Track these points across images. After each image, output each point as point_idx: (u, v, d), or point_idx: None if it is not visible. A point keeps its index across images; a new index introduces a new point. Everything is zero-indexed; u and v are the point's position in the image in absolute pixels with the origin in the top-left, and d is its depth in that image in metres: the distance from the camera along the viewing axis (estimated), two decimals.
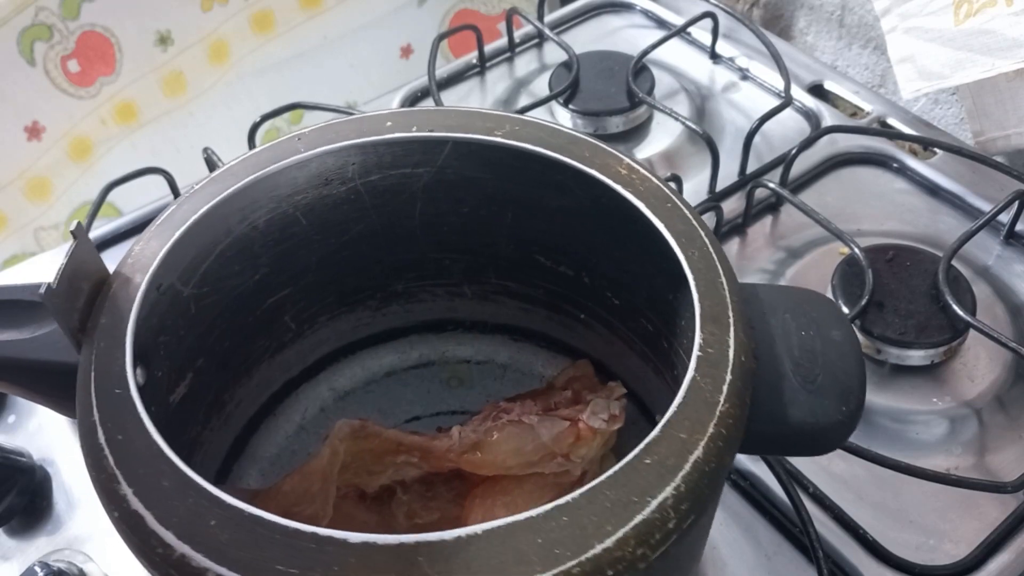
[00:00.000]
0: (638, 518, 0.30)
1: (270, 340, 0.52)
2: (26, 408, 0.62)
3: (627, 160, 0.42)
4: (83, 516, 0.56)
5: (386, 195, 0.48)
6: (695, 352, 0.34)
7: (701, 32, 0.87)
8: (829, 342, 0.37)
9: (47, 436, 0.60)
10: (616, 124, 0.78)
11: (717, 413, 0.33)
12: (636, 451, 0.31)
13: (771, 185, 0.69)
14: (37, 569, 0.51)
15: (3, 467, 0.56)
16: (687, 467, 0.31)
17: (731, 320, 0.35)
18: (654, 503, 0.30)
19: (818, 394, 0.36)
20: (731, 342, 0.35)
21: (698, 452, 0.31)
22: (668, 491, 0.30)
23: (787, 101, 0.75)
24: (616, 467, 0.31)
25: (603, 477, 0.31)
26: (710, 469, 0.31)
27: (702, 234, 0.39)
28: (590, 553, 0.29)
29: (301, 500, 0.46)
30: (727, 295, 0.36)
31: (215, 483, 0.32)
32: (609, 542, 0.29)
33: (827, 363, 0.36)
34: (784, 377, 0.36)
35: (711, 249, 0.38)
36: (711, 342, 0.35)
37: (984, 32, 0.65)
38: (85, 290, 0.38)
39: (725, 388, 0.33)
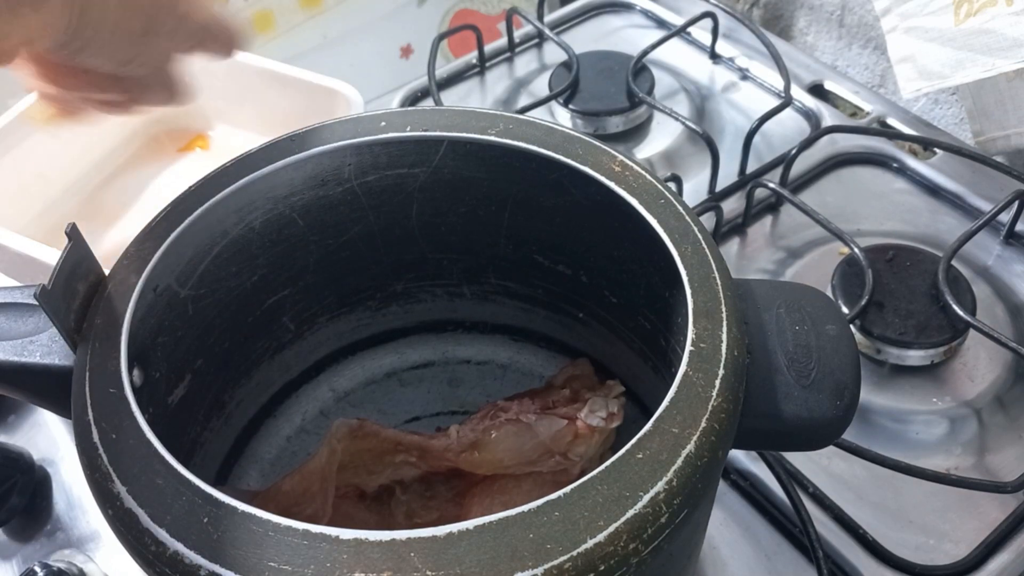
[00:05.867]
0: (630, 513, 0.30)
1: (269, 341, 0.52)
2: (26, 408, 0.62)
3: (620, 157, 0.42)
4: (83, 516, 0.56)
5: (383, 195, 0.48)
6: (688, 347, 0.34)
7: (701, 32, 0.87)
8: (824, 336, 0.37)
9: (47, 436, 0.60)
10: (616, 124, 0.78)
11: (709, 408, 0.33)
12: (628, 446, 0.31)
13: (771, 185, 0.69)
14: (37, 569, 0.52)
15: (3, 467, 0.56)
16: (679, 462, 0.31)
17: (724, 315, 0.35)
18: (646, 498, 0.30)
19: (812, 389, 0.36)
20: (724, 337, 0.35)
21: (690, 447, 0.31)
22: (660, 486, 0.30)
23: (787, 101, 0.75)
24: (608, 462, 0.31)
25: (595, 472, 0.31)
26: (703, 464, 0.31)
27: (695, 230, 0.39)
28: (582, 548, 0.29)
29: (300, 500, 0.46)
30: (720, 290, 0.36)
31: (215, 484, 0.32)
32: (601, 537, 0.29)
33: (821, 358, 0.36)
34: (778, 372, 0.36)
35: (704, 245, 0.38)
36: (704, 337, 0.35)
37: (984, 32, 0.65)
38: (80, 291, 0.38)
39: (718, 383, 0.33)
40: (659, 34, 0.83)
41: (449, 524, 0.29)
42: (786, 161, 0.71)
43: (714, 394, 0.33)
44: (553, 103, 0.79)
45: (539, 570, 0.28)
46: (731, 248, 0.71)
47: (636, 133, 0.79)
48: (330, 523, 0.38)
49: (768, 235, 0.71)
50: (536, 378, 0.57)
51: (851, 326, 0.47)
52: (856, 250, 0.63)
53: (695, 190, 0.74)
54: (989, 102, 0.73)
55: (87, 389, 0.35)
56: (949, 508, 0.55)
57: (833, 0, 0.90)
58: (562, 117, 0.79)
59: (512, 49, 0.88)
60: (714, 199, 0.72)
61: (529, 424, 0.47)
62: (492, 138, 0.44)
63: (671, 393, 0.33)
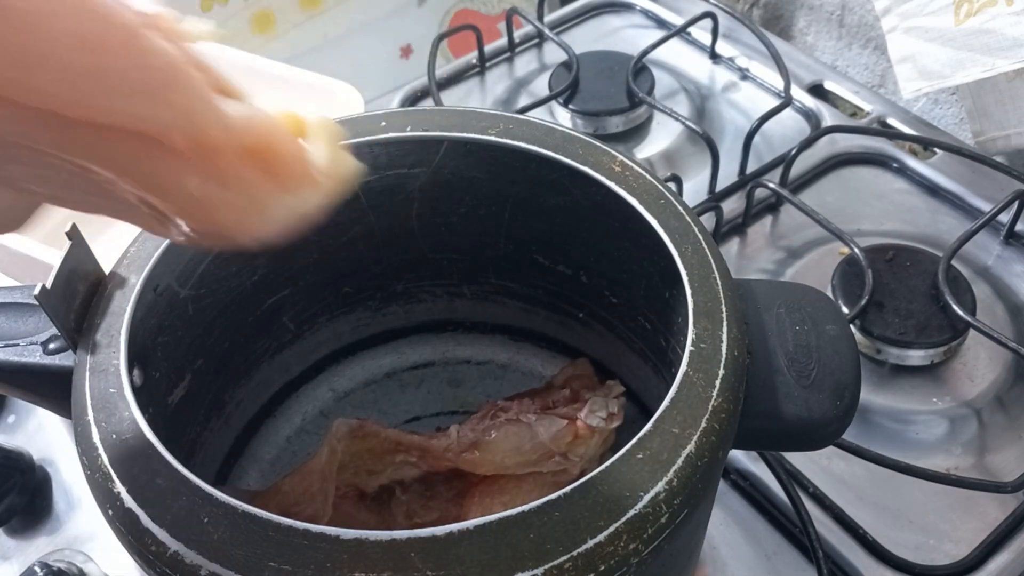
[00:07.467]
0: (630, 513, 0.30)
1: (269, 341, 0.52)
2: (26, 408, 0.62)
3: (620, 157, 0.42)
4: (83, 516, 0.56)
5: (383, 196, 0.48)
6: (688, 347, 0.34)
7: (701, 32, 0.87)
8: (824, 336, 0.37)
9: (47, 436, 0.60)
10: (616, 124, 0.78)
11: (710, 408, 0.33)
12: (628, 446, 0.31)
13: (771, 185, 0.69)
14: (37, 569, 0.51)
15: (3, 467, 0.56)
16: (679, 462, 0.31)
17: (724, 315, 0.35)
18: (646, 498, 0.30)
19: (812, 389, 0.36)
20: (724, 337, 0.35)
21: (691, 447, 0.31)
22: (660, 486, 0.30)
23: (787, 101, 0.75)
24: (608, 462, 0.31)
25: (595, 472, 0.31)
26: (703, 464, 0.31)
27: (696, 230, 0.39)
28: (582, 548, 0.29)
29: (300, 500, 0.46)
30: (720, 290, 0.36)
31: (215, 484, 0.32)
32: (601, 537, 0.29)
33: (821, 358, 0.36)
34: (778, 372, 0.36)
35: (704, 245, 0.38)
36: (704, 337, 0.35)
37: (984, 32, 0.65)
38: (81, 291, 0.38)
39: (718, 383, 0.33)
40: (659, 34, 0.83)
41: (449, 524, 0.29)
42: (786, 161, 0.71)
43: (714, 394, 0.33)
44: (553, 103, 0.79)
45: (539, 570, 0.29)
46: (731, 248, 0.71)
47: (636, 133, 0.79)
48: (330, 523, 0.38)
49: (768, 235, 0.71)
50: (536, 378, 0.57)
51: (851, 326, 0.47)
52: (856, 250, 0.63)
53: (695, 190, 0.73)
54: (989, 102, 0.73)
55: (87, 389, 0.35)
56: (949, 508, 0.54)
57: (833, 0, 0.90)
58: (562, 117, 0.79)
59: (512, 49, 0.88)
60: (714, 199, 0.72)
61: (529, 424, 0.47)
62: (492, 138, 0.44)
63: (671, 393, 0.33)
